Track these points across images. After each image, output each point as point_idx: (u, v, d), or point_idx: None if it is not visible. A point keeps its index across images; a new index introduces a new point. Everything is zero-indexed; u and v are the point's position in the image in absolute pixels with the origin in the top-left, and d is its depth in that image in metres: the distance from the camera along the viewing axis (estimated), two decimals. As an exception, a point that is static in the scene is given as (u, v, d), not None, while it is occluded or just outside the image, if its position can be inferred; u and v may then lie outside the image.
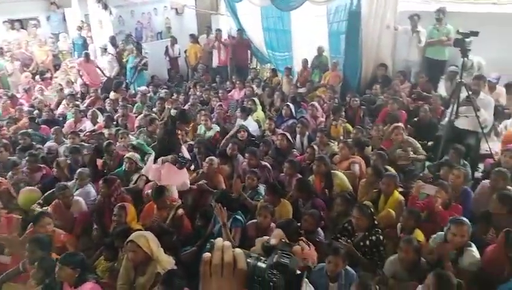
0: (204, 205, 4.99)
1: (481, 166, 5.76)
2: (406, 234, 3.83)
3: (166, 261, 3.59)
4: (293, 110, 7.23)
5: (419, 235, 3.86)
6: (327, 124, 6.85)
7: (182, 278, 3.19)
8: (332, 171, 5.03)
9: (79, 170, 5.33)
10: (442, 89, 7.35)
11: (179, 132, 5.17)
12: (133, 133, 7.24)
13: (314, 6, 8.54)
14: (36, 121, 7.78)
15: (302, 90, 8.80)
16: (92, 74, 10.28)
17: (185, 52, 11.39)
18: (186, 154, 5.33)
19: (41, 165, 5.88)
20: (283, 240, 1.12)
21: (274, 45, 10.21)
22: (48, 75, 11.27)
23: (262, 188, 4.93)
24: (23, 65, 11.19)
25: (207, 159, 5.43)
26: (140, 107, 8.46)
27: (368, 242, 3.81)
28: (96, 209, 4.90)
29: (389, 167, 5.05)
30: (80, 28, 12.04)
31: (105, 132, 7.10)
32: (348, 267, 3.45)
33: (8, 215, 4.69)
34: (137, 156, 5.78)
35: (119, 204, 4.49)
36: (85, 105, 8.98)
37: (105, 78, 10.44)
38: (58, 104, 9.12)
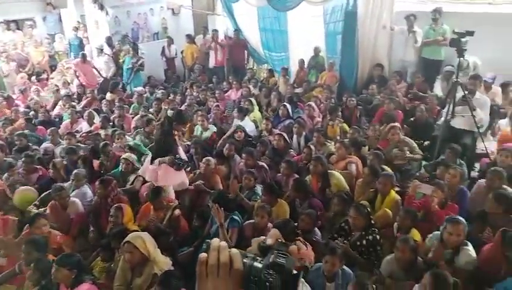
0: (202, 205, 4.99)
1: (477, 165, 5.77)
2: (402, 234, 3.84)
3: (163, 262, 3.58)
4: (289, 111, 7.24)
5: (415, 234, 3.87)
6: (324, 124, 6.86)
7: (179, 278, 3.18)
8: (329, 171, 5.04)
9: (75, 171, 5.31)
10: (438, 89, 7.37)
11: (176, 132, 5.17)
12: (129, 133, 7.23)
13: (311, 7, 8.54)
14: (33, 122, 7.75)
15: (298, 90, 8.80)
16: (89, 75, 10.24)
17: (182, 52, 11.38)
18: (183, 155, 5.33)
19: (38, 167, 5.86)
20: (279, 240, 1.12)
21: (271, 45, 10.21)
22: (44, 76, 11.23)
23: (259, 189, 4.93)
24: (19, 66, 11.14)
25: (204, 159, 5.42)
26: (137, 108, 8.45)
27: (364, 242, 3.82)
28: (93, 210, 4.90)
29: (385, 167, 5.06)
30: (76, 29, 12.01)
31: (102, 132, 7.09)
32: (345, 267, 3.46)
33: (4, 216, 4.68)
34: (134, 156, 5.76)
35: (115, 205, 4.48)
36: (81, 106, 8.96)
37: (102, 79, 10.41)
38: (54, 105, 9.09)
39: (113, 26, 10.98)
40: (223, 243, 0.99)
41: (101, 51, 10.66)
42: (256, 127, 7.26)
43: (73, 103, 8.96)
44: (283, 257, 1.00)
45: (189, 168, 5.66)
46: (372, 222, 3.93)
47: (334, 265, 3.35)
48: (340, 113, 7.00)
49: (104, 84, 10.13)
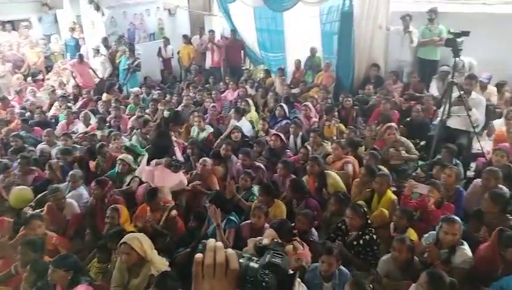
0: (198, 206, 4.99)
1: (473, 165, 5.79)
2: (399, 233, 3.85)
3: (160, 263, 3.58)
4: (286, 111, 7.25)
5: (412, 234, 3.89)
6: (320, 124, 6.87)
7: (175, 279, 3.18)
8: (325, 171, 5.05)
9: (71, 172, 5.29)
10: (434, 89, 7.40)
11: (172, 133, 5.16)
12: (126, 134, 7.21)
13: (307, 7, 8.56)
14: (29, 123, 7.73)
15: (295, 90, 8.82)
16: (85, 76, 10.22)
17: (178, 53, 11.37)
18: (180, 157, 5.32)
19: (34, 168, 5.83)
20: (275, 240, 1.12)
21: (267, 46, 10.23)
22: (40, 76, 11.19)
23: (256, 189, 4.92)
24: (15, 67, 11.09)
25: (200, 160, 5.42)
26: (133, 109, 8.43)
27: (361, 241, 3.82)
28: (89, 211, 4.88)
29: (382, 167, 5.07)
30: (72, 30, 11.98)
31: (98, 133, 7.07)
32: (341, 267, 3.46)
33: (0, 218, 4.65)
34: (130, 157, 5.75)
35: (112, 206, 4.47)
36: (77, 107, 8.94)
37: (98, 80, 10.38)
38: (50, 106, 9.06)
39: (109, 27, 10.95)
40: (219, 244, 0.99)
41: (97, 51, 10.64)
42: (253, 127, 7.26)
43: (69, 104, 8.93)
44: (279, 257, 1.00)
45: (184, 170, 5.64)
46: (369, 221, 3.94)
47: (331, 265, 3.35)
48: (336, 113, 7.03)
49: (100, 84, 10.09)
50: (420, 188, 4.37)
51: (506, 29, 6.89)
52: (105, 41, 10.70)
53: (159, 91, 9.40)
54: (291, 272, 1.01)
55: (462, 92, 5.46)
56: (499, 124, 6.20)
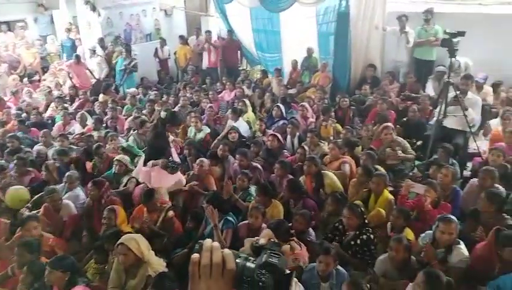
0: (196, 206, 4.98)
1: (469, 165, 5.81)
2: (396, 233, 3.86)
3: (158, 264, 3.58)
4: (283, 111, 7.26)
5: (409, 233, 3.90)
6: (317, 124, 6.88)
7: (172, 280, 3.18)
8: (322, 171, 5.06)
9: (68, 173, 5.28)
10: (430, 89, 7.42)
11: (169, 134, 5.16)
12: (122, 135, 7.20)
13: (303, 8, 8.57)
14: (26, 124, 7.71)
15: (292, 91, 8.83)
16: (82, 76, 10.19)
17: (175, 53, 11.36)
18: (176, 158, 5.31)
19: (30, 169, 5.81)
20: (272, 240, 1.12)
21: (264, 46, 10.23)
22: (36, 77, 11.14)
23: (253, 189, 4.93)
24: (11, 68, 11.05)
25: (197, 160, 5.42)
26: (130, 109, 8.41)
27: (358, 241, 3.83)
28: (86, 212, 4.87)
29: (378, 167, 5.08)
30: (69, 30, 11.94)
31: (95, 134, 7.05)
32: (339, 267, 3.47)
33: (-4, 219, 4.64)
34: (127, 158, 5.74)
35: (108, 207, 4.46)
36: (74, 107, 8.92)
37: (95, 81, 10.36)
38: (46, 106, 9.04)
39: (105, 28, 10.93)
40: (216, 244, 0.99)
41: (93, 52, 10.60)
42: (250, 128, 7.27)
43: (66, 105, 8.91)
44: (276, 256, 1.00)
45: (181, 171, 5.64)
46: (366, 221, 3.95)
47: (328, 265, 3.36)
48: (333, 113, 7.03)
49: (96, 85, 10.07)
50: (417, 187, 4.38)
51: (501, 29, 6.92)
52: (101, 42, 10.67)
53: (156, 92, 9.39)
54: (288, 272, 1.01)
55: (458, 92, 5.48)
56: (495, 124, 6.22)
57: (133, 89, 9.58)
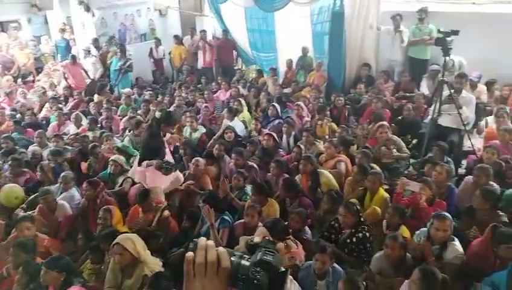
0: (192, 206, 4.98)
1: (464, 162, 5.84)
2: (391, 231, 3.87)
3: (154, 263, 3.57)
4: (278, 110, 7.26)
5: (404, 231, 3.91)
6: (313, 123, 6.89)
7: (169, 280, 3.17)
8: (318, 170, 5.07)
9: (63, 173, 5.26)
10: (425, 88, 7.46)
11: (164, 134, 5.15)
12: (118, 135, 7.18)
13: (298, 7, 8.58)
14: (22, 124, 7.67)
15: (287, 90, 8.84)
16: (78, 77, 10.16)
17: (170, 53, 11.33)
18: (170, 158, 5.29)
19: (25, 170, 5.79)
20: (267, 238, 1.13)
21: (258, 46, 10.23)
22: (30, 78, 11.09)
23: (249, 188, 4.93)
24: (5, 68, 10.98)
25: (193, 160, 5.41)
26: (125, 109, 8.39)
27: (354, 239, 3.84)
28: (81, 213, 4.86)
29: (374, 165, 5.10)
30: (63, 31, 11.88)
31: (90, 134, 7.03)
32: (335, 265, 3.48)
33: (-9, 220, 4.62)
34: (122, 158, 5.73)
35: (104, 207, 4.45)
36: (68, 108, 8.88)
37: (90, 81, 10.32)
38: (41, 107, 8.99)
39: (99, 28, 10.88)
40: (210, 242, 0.99)
41: (88, 52, 10.56)
42: (246, 127, 7.26)
43: (60, 105, 8.87)
44: (270, 254, 1.00)
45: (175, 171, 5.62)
46: (362, 219, 3.96)
47: (325, 263, 3.37)
48: (328, 112, 7.05)
49: (91, 86, 10.03)
50: (412, 185, 4.40)
51: (496, 28, 6.95)
52: (95, 42, 10.63)
53: (151, 92, 9.37)
54: (283, 269, 1.02)
55: (452, 91, 5.52)
56: (489, 122, 6.26)
57: (127, 89, 9.55)
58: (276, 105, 7.34)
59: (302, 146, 5.79)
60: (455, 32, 5.11)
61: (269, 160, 5.50)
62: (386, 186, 4.76)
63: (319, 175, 4.97)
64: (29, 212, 4.72)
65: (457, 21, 6.34)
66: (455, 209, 4.41)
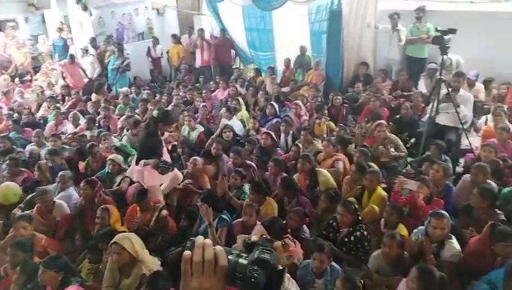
0: (190, 205, 4.98)
1: (462, 161, 5.86)
2: (389, 229, 3.88)
3: (152, 263, 3.57)
4: (277, 109, 7.27)
5: (402, 229, 3.92)
6: (311, 122, 6.89)
7: (167, 279, 3.17)
8: (316, 168, 5.07)
9: (61, 172, 5.25)
10: (423, 86, 7.47)
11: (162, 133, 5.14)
12: (115, 134, 7.17)
13: (296, 6, 8.58)
14: (20, 124, 7.66)
15: (285, 89, 8.84)
16: (76, 76, 10.16)
17: (167, 52, 11.32)
18: (167, 158, 5.28)
19: (23, 169, 5.77)
20: (264, 236, 1.13)
21: (256, 45, 10.23)
22: (28, 77, 11.07)
23: (247, 187, 4.93)
24: (2, 68, 10.96)
25: (191, 159, 5.41)
26: (123, 109, 8.38)
27: (352, 238, 3.84)
28: (79, 212, 4.85)
29: (372, 164, 5.11)
30: (60, 30, 11.85)
31: (87, 134, 7.02)
32: (333, 263, 3.48)
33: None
34: (120, 157, 5.72)
35: (102, 206, 4.44)
36: (66, 107, 8.86)
37: (87, 80, 10.30)
38: (38, 106, 8.98)
39: (97, 27, 10.86)
40: (208, 241, 0.99)
41: (86, 51, 10.55)
42: (244, 126, 7.27)
43: (58, 105, 8.86)
44: (268, 252, 1.00)
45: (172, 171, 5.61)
46: (360, 218, 3.97)
47: (323, 262, 3.37)
48: (326, 111, 7.05)
49: (89, 85, 10.02)
50: (410, 184, 4.41)
51: (493, 27, 6.96)
52: (93, 41, 10.61)
53: (149, 91, 9.35)
54: (280, 268, 1.02)
55: (450, 89, 5.52)
56: (487, 120, 6.28)
57: (125, 88, 9.54)
58: (274, 104, 7.34)
59: (300, 145, 5.79)
60: (453, 31, 5.12)
61: (267, 159, 5.50)
62: (383, 185, 4.77)
63: (317, 174, 4.97)
64: (27, 212, 4.71)
65: (454, 20, 6.35)
66: (453, 207, 4.42)
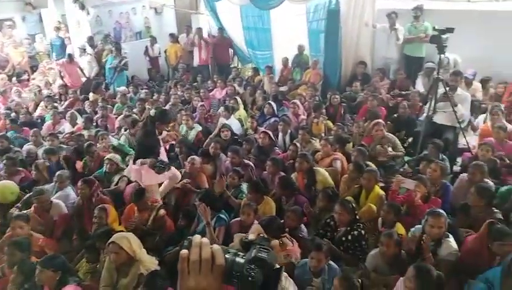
0: (188, 204, 4.97)
1: (459, 160, 5.87)
2: (387, 228, 3.88)
3: (149, 262, 3.56)
4: (274, 109, 7.27)
5: (400, 228, 3.92)
6: (308, 121, 6.90)
7: (164, 278, 3.17)
8: (314, 168, 5.07)
9: (58, 172, 5.24)
10: (420, 85, 7.48)
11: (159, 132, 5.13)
12: (113, 134, 7.15)
13: (294, 5, 8.58)
14: (18, 123, 7.64)
15: (283, 88, 8.85)
16: (74, 75, 10.13)
17: (165, 51, 11.30)
18: (164, 157, 5.27)
19: (20, 169, 5.76)
20: (261, 235, 1.13)
21: (254, 44, 10.22)
22: (25, 76, 11.04)
23: (245, 187, 4.93)
24: (-1, 67, 10.96)
25: (189, 158, 5.40)
26: (121, 108, 8.36)
27: (350, 237, 3.85)
28: (76, 212, 4.83)
29: (369, 163, 5.11)
30: (58, 29, 11.81)
31: (85, 133, 7.00)
32: (331, 262, 3.48)
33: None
34: (118, 157, 5.71)
35: (99, 206, 4.43)
36: (63, 106, 8.84)
37: (85, 79, 10.28)
38: (36, 106, 8.95)
39: (94, 26, 10.84)
40: (205, 240, 0.99)
41: (83, 50, 10.52)
42: (242, 125, 7.27)
43: (56, 104, 8.83)
44: (265, 251, 1.00)
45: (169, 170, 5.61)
46: (357, 217, 3.97)
47: (320, 261, 3.37)
48: (324, 110, 7.06)
49: (86, 84, 10.00)
50: (407, 183, 4.42)
51: (491, 26, 6.97)
52: (90, 40, 10.59)
53: (146, 90, 9.34)
54: (277, 266, 1.02)
55: (447, 88, 5.54)
56: (484, 119, 6.29)
57: (123, 88, 9.52)
58: (272, 103, 7.35)
59: (298, 144, 5.80)
60: (450, 30, 5.13)
61: (265, 158, 5.50)
62: (381, 184, 4.77)
63: (314, 173, 4.97)
64: (25, 211, 4.70)
65: (452, 18, 6.36)
66: (450, 206, 4.43)
